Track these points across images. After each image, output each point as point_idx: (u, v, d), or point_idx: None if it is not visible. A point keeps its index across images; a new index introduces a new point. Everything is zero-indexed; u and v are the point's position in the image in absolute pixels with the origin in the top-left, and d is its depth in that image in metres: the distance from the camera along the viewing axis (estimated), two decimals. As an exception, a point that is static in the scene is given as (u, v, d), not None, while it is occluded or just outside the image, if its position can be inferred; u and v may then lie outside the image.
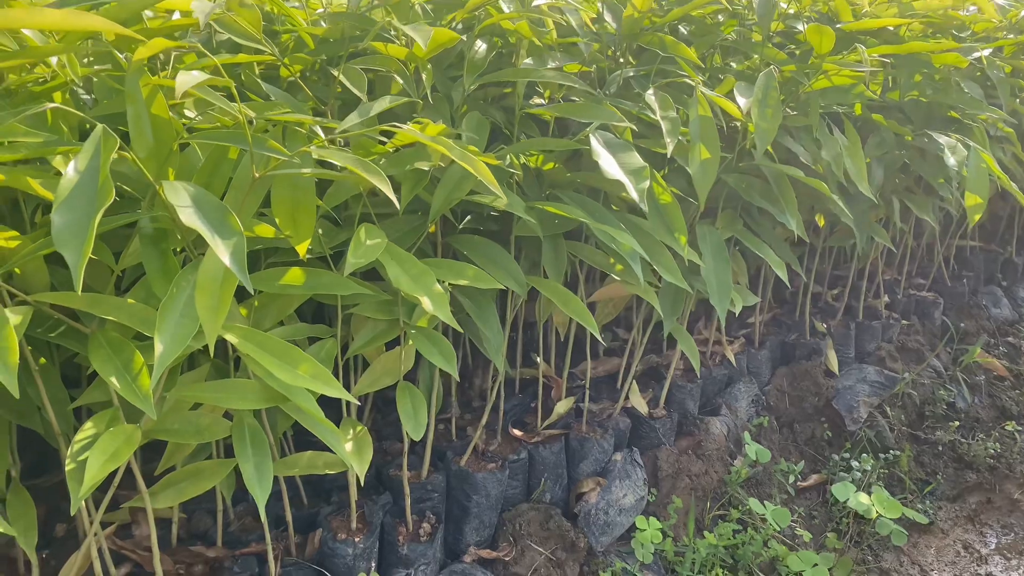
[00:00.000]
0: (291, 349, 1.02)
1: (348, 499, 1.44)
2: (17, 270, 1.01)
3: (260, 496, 1.04)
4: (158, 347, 0.86)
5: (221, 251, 0.82)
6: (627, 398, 1.78)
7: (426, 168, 1.19)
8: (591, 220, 1.29)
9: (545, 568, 1.50)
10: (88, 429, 0.98)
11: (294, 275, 1.12)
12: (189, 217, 0.84)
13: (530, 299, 1.91)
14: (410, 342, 1.32)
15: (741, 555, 1.66)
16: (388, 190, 0.91)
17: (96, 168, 0.77)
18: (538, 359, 1.77)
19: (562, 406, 1.69)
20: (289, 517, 1.32)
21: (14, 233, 0.97)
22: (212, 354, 0.93)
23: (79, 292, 0.66)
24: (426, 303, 1.11)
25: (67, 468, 0.94)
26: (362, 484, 1.22)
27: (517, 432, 1.64)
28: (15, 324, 0.84)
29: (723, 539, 1.61)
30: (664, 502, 1.73)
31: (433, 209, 1.23)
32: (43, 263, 1.03)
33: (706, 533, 1.62)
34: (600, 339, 1.33)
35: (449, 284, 1.23)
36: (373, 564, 1.36)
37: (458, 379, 1.27)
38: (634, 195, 1.15)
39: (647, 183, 1.18)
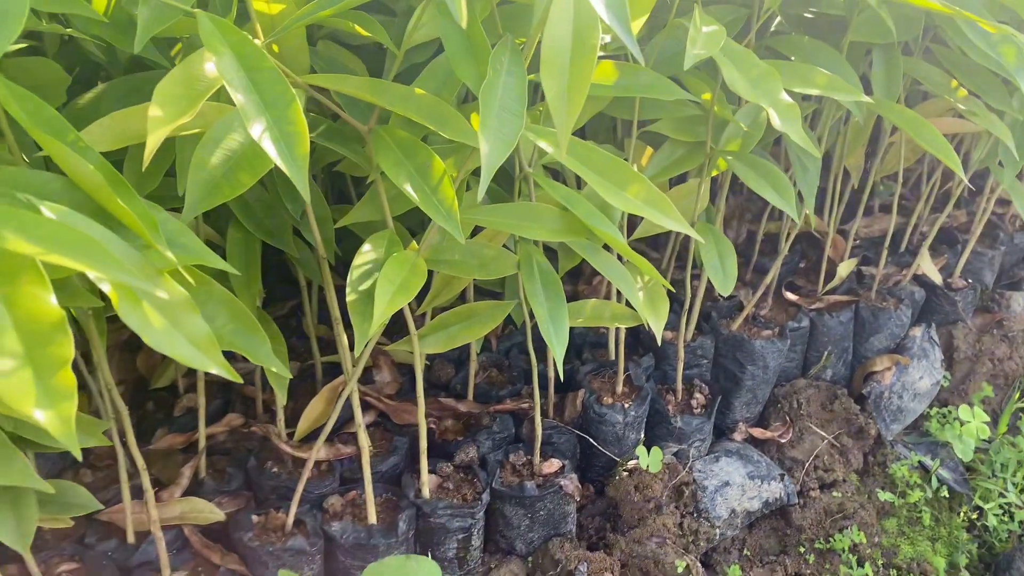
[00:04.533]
0: (622, 166, 0.78)
1: (605, 358, 1.23)
2: (276, 47, 0.79)
3: (557, 347, 0.83)
4: (483, 146, 0.63)
5: (595, -1, 0.56)
6: (918, 265, 1.47)
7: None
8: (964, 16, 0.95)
9: (827, 455, 1.26)
10: (366, 254, 0.78)
11: (605, 70, 0.86)
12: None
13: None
14: (713, 172, 1.05)
15: (1054, 459, 1.37)
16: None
17: None
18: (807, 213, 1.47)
19: (844, 268, 1.39)
20: (552, 374, 1.13)
21: (278, -7, 0.75)
22: (564, 156, 0.69)
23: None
24: (773, 117, 0.83)
25: (348, 299, 0.75)
26: (659, 344, 0.99)
27: (792, 296, 1.37)
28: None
29: (1044, 439, 1.32)
30: (959, 388, 1.44)
31: (770, -7, 0.93)
32: (305, 43, 0.81)
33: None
34: (963, 178, 1.02)
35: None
36: (642, 435, 1.16)
37: (796, 221, 0.99)
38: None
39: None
